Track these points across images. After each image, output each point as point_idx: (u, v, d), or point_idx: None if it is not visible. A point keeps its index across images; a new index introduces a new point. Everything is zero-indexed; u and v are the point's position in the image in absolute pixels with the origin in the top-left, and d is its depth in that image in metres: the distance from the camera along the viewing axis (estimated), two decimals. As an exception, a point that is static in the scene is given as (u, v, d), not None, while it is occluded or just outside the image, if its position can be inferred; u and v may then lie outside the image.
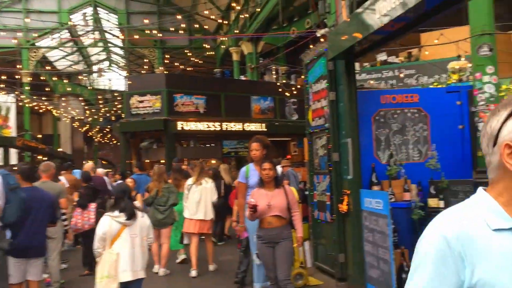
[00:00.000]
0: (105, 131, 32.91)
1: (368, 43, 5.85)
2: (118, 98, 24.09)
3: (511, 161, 1.21)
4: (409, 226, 6.14)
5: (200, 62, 22.98)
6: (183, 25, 22.91)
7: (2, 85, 20.76)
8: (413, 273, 1.26)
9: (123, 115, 16.98)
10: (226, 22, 22.24)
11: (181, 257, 8.13)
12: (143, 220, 4.70)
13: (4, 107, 22.62)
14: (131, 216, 4.50)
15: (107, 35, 27.81)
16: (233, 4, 20.41)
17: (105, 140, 36.11)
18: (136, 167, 11.69)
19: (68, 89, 28.04)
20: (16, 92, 22.33)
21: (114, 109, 26.46)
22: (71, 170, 9.64)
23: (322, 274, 7.09)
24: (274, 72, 20.63)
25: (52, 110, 26.69)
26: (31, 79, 23.46)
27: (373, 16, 4.96)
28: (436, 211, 6.00)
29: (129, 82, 17.08)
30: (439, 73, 10.75)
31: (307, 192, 8.30)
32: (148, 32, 21.76)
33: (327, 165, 6.75)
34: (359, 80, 10.55)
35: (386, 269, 5.64)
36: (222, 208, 9.15)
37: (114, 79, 33.72)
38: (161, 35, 22.27)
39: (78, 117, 29.75)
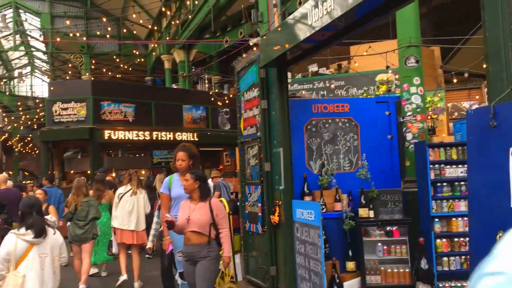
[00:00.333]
0: (26, 140, 30.87)
1: (300, 51, 5.75)
2: (41, 105, 22.66)
3: None
4: (340, 237, 6.08)
5: (130, 69, 22.19)
6: (111, 30, 22.06)
7: None
8: None
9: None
10: (158, 29, 21.70)
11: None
12: (55, 237, 4.21)
13: None
14: (40, 233, 4.01)
15: (30, 39, 26.18)
16: (164, 10, 19.93)
17: (27, 150, 33.87)
18: (46, 179, 10.91)
19: (-15, 95, 26.02)
20: None
21: (37, 117, 24.87)
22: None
23: (253, 287, 6.85)
24: (206, 81, 20.35)
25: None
26: None
27: (304, 25, 4.88)
28: (367, 221, 5.99)
29: (51, 88, 16.05)
30: (367, 85, 10.97)
31: (239, 203, 8.07)
32: (73, 36, 20.70)
33: (259, 175, 6.57)
34: (291, 90, 10.54)
35: (318, 281, 5.51)
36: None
37: (37, 85, 31.83)
38: (85, 39, 21.23)
39: (-4, 125, 27.68)
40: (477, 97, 9.50)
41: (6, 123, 27.86)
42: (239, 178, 7.56)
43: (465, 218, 5.79)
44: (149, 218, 7.66)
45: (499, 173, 2.64)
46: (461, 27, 13.82)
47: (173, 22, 19.51)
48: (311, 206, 5.67)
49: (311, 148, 6.66)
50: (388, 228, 5.95)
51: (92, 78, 20.14)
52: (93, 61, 22.44)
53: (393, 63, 9.45)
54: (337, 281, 5.70)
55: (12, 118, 27.41)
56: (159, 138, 15.90)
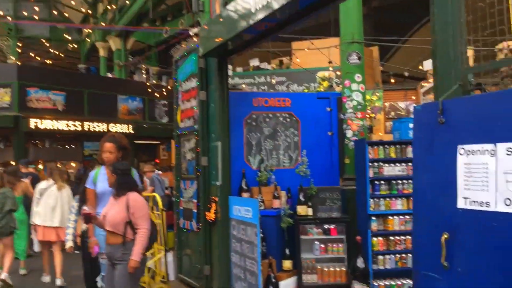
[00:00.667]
0: None
1: (241, 41, 5.50)
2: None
3: None
4: (278, 235, 5.91)
5: (62, 55, 20.96)
6: (41, 12, 20.70)
7: None
8: None
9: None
10: (93, 14, 20.63)
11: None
12: None
13: None
14: None
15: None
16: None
17: None
18: None
19: None
20: None
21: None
22: None
23: (186, 287, 6.54)
24: (144, 72, 19.61)
25: None
26: None
27: (246, 15, 4.64)
28: (305, 219, 5.85)
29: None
30: (308, 82, 10.93)
31: (173, 199, 7.70)
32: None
33: (195, 170, 6.26)
34: (232, 84, 10.29)
35: (253, 281, 5.31)
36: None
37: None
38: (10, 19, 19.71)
39: None
40: (413, 97, 9.69)
41: None
42: (175, 172, 7.20)
43: (401, 217, 5.81)
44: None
45: (446, 172, 2.52)
46: (398, 30, 14.21)
47: (109, 8, 18.60)
48: (248, 203, 5.45)
49: (250, 143, 6.44)
50: (326, 227, 5.85)
51: (19, 63, 18.79)
52: (21, 45, 20.95)
53: (334, 61, 9.45)
54: (273, 280, 5.51)
55: None
56: (92, 129, 15.05)
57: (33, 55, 20.74)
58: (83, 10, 20.60)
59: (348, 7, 6.45)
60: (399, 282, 5.73)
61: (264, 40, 5.53)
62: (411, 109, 6.34)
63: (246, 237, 5.46)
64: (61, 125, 14.30)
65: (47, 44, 21.13)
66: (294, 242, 5.81)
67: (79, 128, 14.79)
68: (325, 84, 8.32)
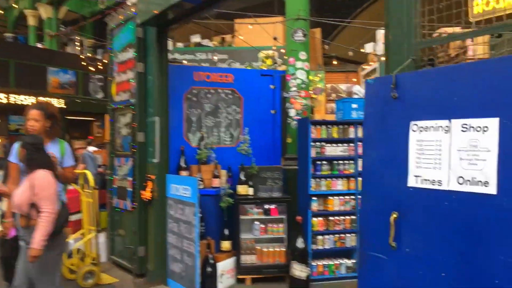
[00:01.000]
0: None
1: (182, 10, 5.18)
2: None
3: None
4: (217, 215, 5.72)
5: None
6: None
7: None
8: None
9: None
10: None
11: None
12: None
13: None
14: None
15: None
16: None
17: None
18: None
19: None
20: None
21: None
22: None
23: (119, 269, 6.22)
24: (78, 44, 18.51)
25: None
26: None
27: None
28: (245, 199, 5.69)
29: None
30: (250, 61, 10.74)
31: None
32: None
33: (131, 146, 5.90)
34: (172, 59, 9.87)
35: (190, 263, 5.11)
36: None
37: None
38: None
39: None
40: (354, 79, 9.78)
41: None
42: (108, 149, 6.78)
43: (341, 197, 5.80)
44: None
45: (397, 149, 2.41)
46: (341, 13, 14.30)
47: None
48: (187, 181, 5.21)
49: (190, 119, 6.16)
50: (266, 207, 5.73)
51: None
52: None
53: (280, 40, 9.30)
54: (211, 261, 5.34)
55: None
56: (18, 102, 14.01)
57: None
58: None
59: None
60: (336, 262, 5.74)
61: (205, 10, 5.25)
62: (353, 90, 6.31)
63: (184, 217, 5.23)
64: (-17, 96, 13.21)
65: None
66: (234, 222, 5.65)
67: (5, 101, 13.74)
68: (269, 62, 8.15)
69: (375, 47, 9.19)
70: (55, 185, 3.65)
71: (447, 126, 2.18)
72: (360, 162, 5.81)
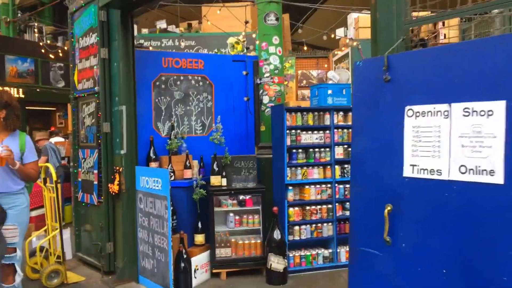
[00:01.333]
0: None
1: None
2: None
3: None
4: (189, 208, 5.47)
5: None
6: None
7: None
8: None
9: None
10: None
11: None
12: None
13: None
14: None
15: None
16: None
17: None
18: None
19: None
20: None
21: None
22: None
23: (86, 267, 5.90)
24: (36, 31, 17.67)
25: None
26: None
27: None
28: (219, 190, 5.46)
29: None
30: (219, 47, 10.44)
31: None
32: None
33: (96, 137, 5.56)
34: (138, 44, 9.46)
35: (163, 258, 4.86)
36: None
37: None
38: None
39: None
40: (325, 65, 9.64)
41: None
42: (72, 140, 6.40)
43: (318, 186, 5.64)
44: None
45: (390, 136, 2.23)
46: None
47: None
48: (157, 173, 4.93)
49: (159, 108, 5.86)
50: (241, 198, 5.51)
51: None
52: None
53: (250, 25, 9.03)
54: (185, 256, 5.09)
55: None
56: (-27, 92, 13.27)
57: None
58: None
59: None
60: (314, 252, 5.60)
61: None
62: (328, 76, 6.13)
63: (155, 211, 4.97)
64: None
65: None
66: (207, 214, 5.41)
67: (-42, 91, 12.96)
68: (239, 47, 7.87)
69: (347, 32, 9.06)
70: None
71: (446, 111, 2.01)
72: (337, 149, 5.67)
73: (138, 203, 5.28)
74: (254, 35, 8.56)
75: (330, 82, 5.97)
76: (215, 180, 5.53)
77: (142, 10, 5.66)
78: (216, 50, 10.41)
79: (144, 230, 5.18)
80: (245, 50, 7.54)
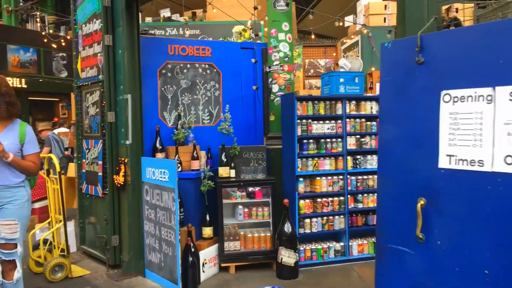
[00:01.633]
0: None
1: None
2: None
3: None
4: (197, 200, 5.30)
5: None
6: None
7: None
8: None
9: None
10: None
11: None
12: None
13: None
14: None
15: None
16: None
17: None
18: None
19: None
20: None
21: None
22: None
23: (91, 260, 5.76)
24: (39, 20, 17.46)
25: None
26: None
27: None
28: (227, 181, 5.29)
29: None
30: (224, 36, 10.23)
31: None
32: None
33: (100, 127, 5.39)
34: (144, 29, 9.26)
35: (170, 252, 4.71)
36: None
37: None
38: None
39: None
40: (334, 54, 9.42)
41: None
42: (75, 130, 6.23)
43: (329, 178, 5.46)
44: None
45: (423, 124, 2.04)
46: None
47: None
48: (164, 164, 4.76)
49: (165, 97, 5.67)
50: (250, 189, 5.34)
51: None
52: None
53: (256, 13, 8.79)
54: (193, 250, 4.93)
55: None
56: (-25, 82, 13.11)
57: None
58: None
59: None
60: (325, 246, 5.44)
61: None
62: (340, 63, 5.93)
63: (162, 203, 4.80)
64: None
65: None
66: (215, 207, 5.24)
67: (-41, 81, 12.80)
68: (247, 35, 7.65)
69: (356, 20, 8.82)
70: None
71: (490, 95, 1.82)
72: (349, 139, 5.48)
73: (144, 195, 5.12)
74: (262, 22, 8.33)
75: (342, 70, 5.77)
76: (223, 171, 5.35)
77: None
78: (222, 39, 10.21)
79: (151, 223, 5.02)
80: (254, 37, 7.31)
